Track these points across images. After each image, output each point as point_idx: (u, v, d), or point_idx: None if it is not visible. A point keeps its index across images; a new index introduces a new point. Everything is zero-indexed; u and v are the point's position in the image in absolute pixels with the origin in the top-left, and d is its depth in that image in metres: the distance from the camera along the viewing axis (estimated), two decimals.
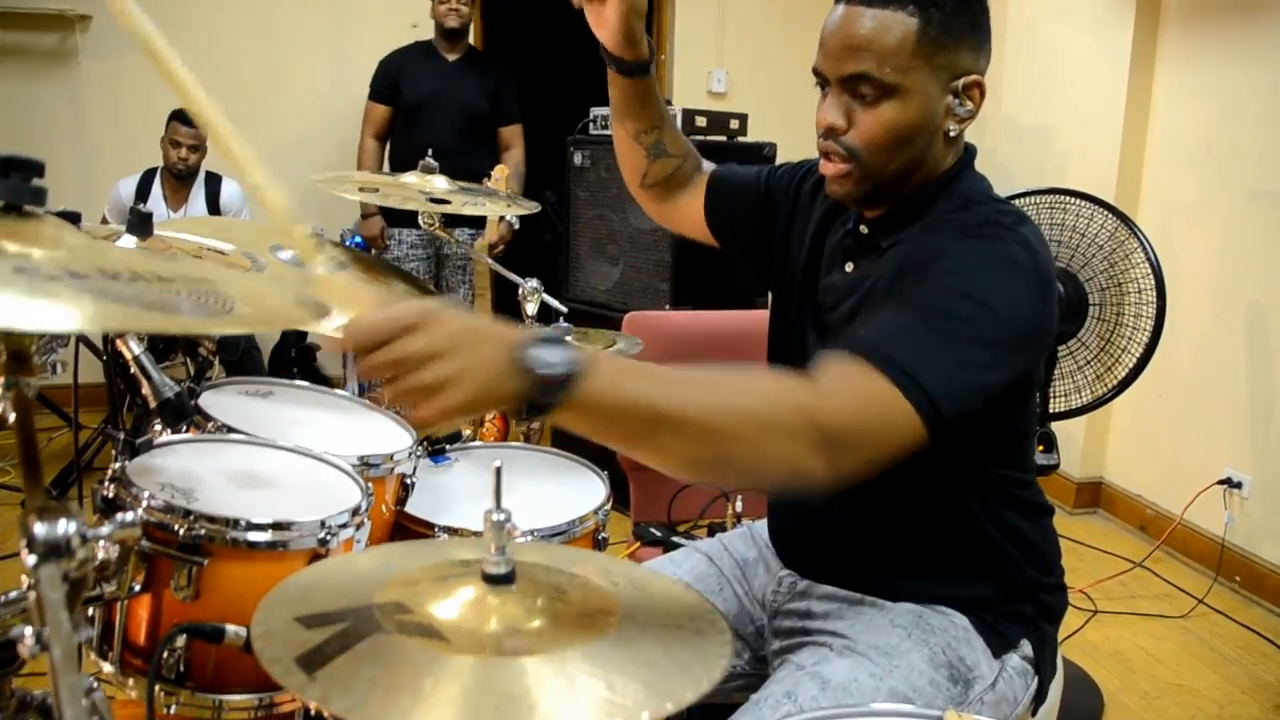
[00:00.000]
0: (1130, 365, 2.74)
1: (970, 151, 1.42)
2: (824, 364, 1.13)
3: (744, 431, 1.04)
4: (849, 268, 1.44)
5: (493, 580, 0.91)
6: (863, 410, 1.11)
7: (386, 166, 4.66)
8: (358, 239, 4.46)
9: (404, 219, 4.45)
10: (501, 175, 3.83)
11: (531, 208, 2.29)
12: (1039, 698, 1.46)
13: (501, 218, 2.14)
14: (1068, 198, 2.83)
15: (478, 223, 3.95)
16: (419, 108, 4.50)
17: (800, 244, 1.56)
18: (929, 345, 1.15)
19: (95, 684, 0.99)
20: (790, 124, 5.00)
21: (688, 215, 1.75)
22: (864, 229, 1.43)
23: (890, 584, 1.44)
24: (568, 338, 0.99)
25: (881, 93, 1.28)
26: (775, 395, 1.08)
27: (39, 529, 0.81)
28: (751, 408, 1.05)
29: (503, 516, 0.90)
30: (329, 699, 0.80)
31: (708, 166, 1.76)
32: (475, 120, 4.53)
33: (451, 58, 4.57)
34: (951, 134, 1.34)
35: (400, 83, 4.53)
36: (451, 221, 2.32)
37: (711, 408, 1.03)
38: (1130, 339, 2.76)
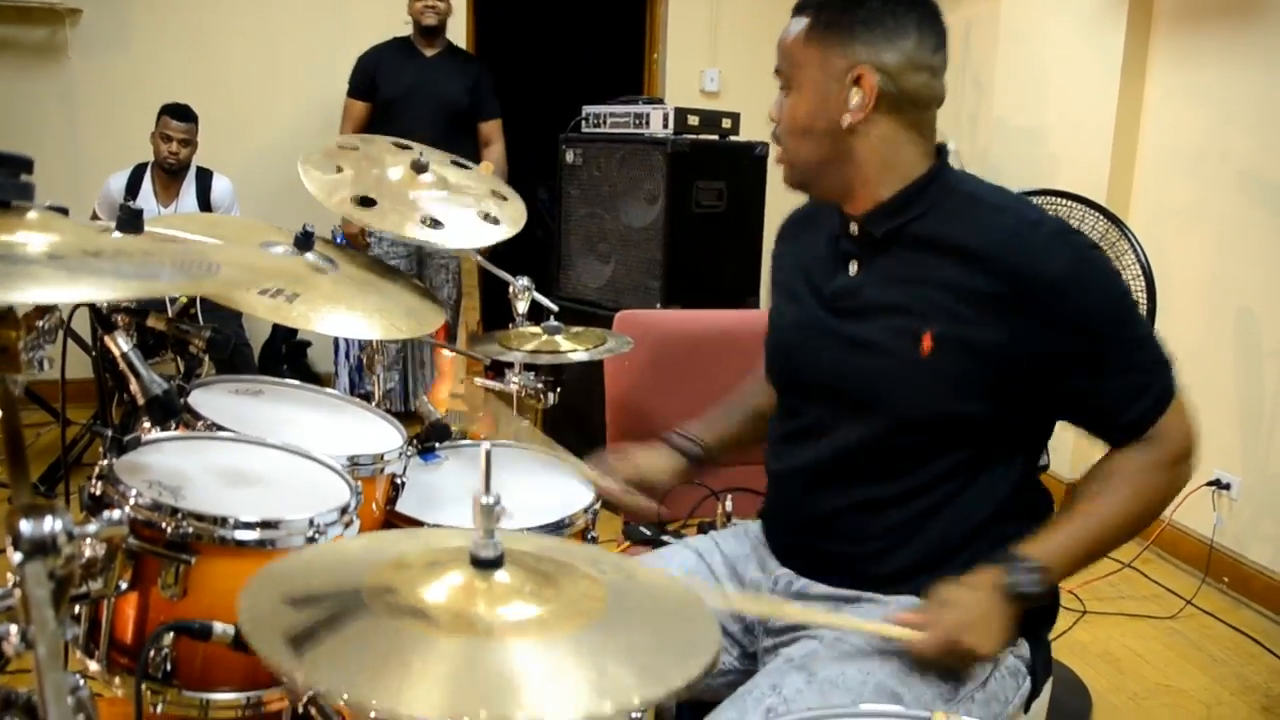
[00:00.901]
0: None
1: (942, 150, 1.48)
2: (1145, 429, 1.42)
3: (1149, 506, 1.44)
4: (853, 269, 1.48)
5: (481, 564, 0.91)
6: (1187, 425, 1.44)
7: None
8: (341, 237, 4.45)
9: None
10: (486, 171, 3.82)
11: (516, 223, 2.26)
12: (1032, 697, 1.46)
13: (485, 215, 2.15)
14: (1059, 199, 2.84)
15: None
16: (398, 104, 4.48)
17: (795, 268, 1.61)
18: (1148, 345, 1.43)
19: (81, 682, 0.98)
20: None
21: None
22: (854, 229, 1.48)
23: (888, 580, 1.44)
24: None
25: (786, 83, 1.45)
26: (1141, 473, 1.42)
27: (25, 526, 0.81)
28: (1136, 493, 1.43)
29: (491, 500, 0.90)
30: (317, 679, 0.80)
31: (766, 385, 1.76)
32: (455, 116, 4.52)
33: (430, 53, 4.56)
34: (845, 123, 1.40)
35: (378, 79, 4.52)
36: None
37: (1117, 519, 1.43)
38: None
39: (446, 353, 4.15)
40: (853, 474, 1.45)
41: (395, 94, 4.50)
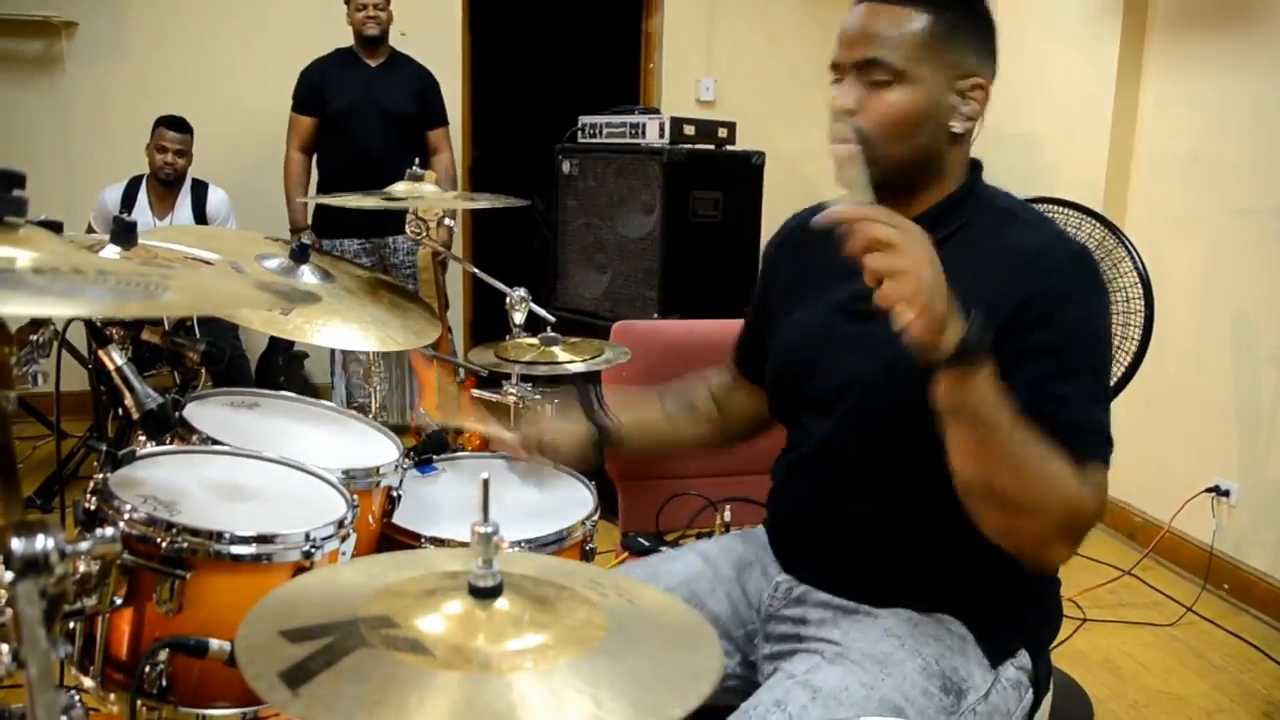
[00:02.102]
0: (1119, 374, 2.75)
1: (977, 166, 1.49)
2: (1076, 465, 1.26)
3: (1037, 496, 1.23)
4: None
5: (480, 594, 0.90)
6: (1100, 505, 1.29)
7: (315, 178, 4.62)
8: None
9: (346, 228, 4.42)
10: (430, 179, 3.82)
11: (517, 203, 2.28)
12: (1034, 710, 1.46)
13: (440, 222, 2.14)
14: (1056, 206, 2.84)
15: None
16: (346, 116, 4.47)
17: (796, 283, 1.60)
18: (1098, 407, 1.32)
19: (76, 700, 0.97)
20: (778, 132, 5.02)
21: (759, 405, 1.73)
22: None
23: (890, 588, 1.44)
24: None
25: (891, 78, 1.36)
26: (1067, 485, 1.24)
27: (16, 544, 0.80)
28: (1052, 482, 1.23)
29: (490, 529, 0.89)
30: (313, 716, 0.79)
31: (724, 371, 1.80)
32: (403, 125, 4.51)
33: (374, 63, 4.55)
34: (955, 130, 1.40)
35: (324, 92, 4.50)
36: (390, 230, 2.31)
37: (1028, 459, 1.22)
38: (1119, 348, 2.77)
39: (426, 365, 4.14)
40: (862, 479, 1.44)
41: (342, 107, 4.47)
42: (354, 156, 4.36)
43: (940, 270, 1.16)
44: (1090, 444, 1.29)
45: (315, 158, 4.62)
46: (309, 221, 4.49)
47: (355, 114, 4.45)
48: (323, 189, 4.57)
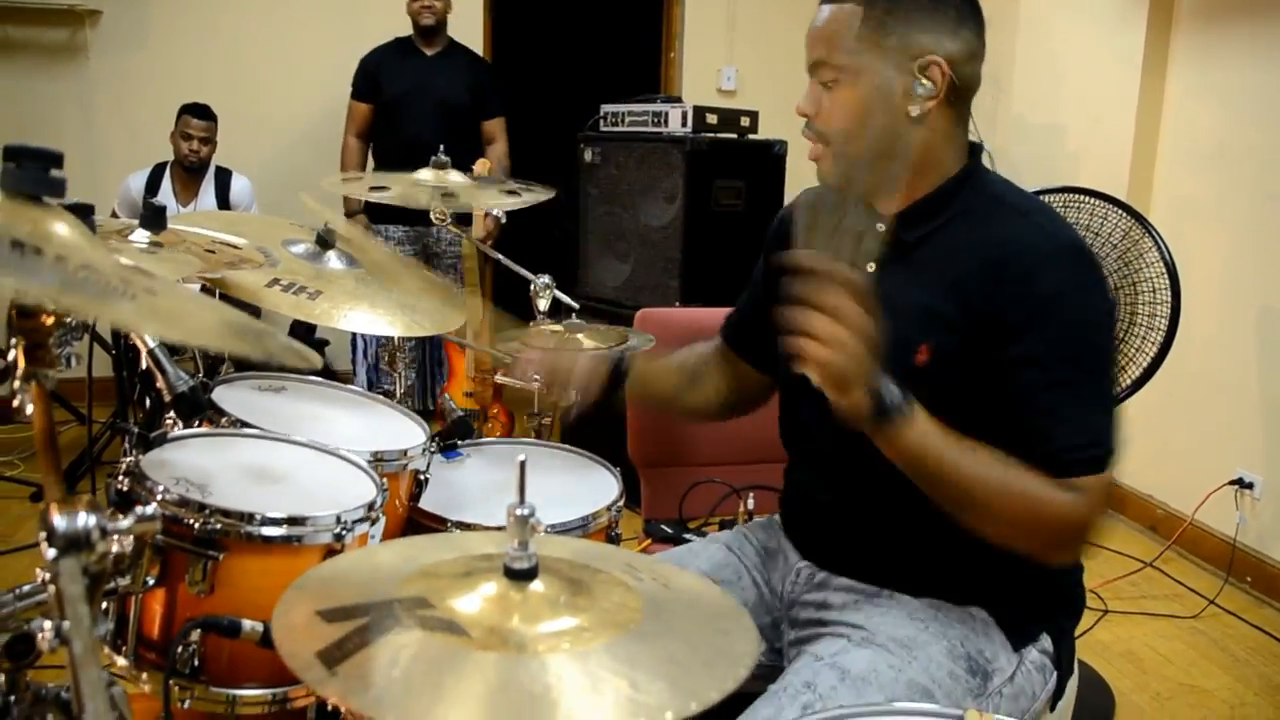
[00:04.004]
0: (1144, 365, 2.73)
1: (976, 150, 1.46)
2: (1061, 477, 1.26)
3: (1007, 513, 1.27)
4: (870, 268, 1.45)
5: (515, 575, 0.90)
6: (1094, 511, 1.28)
7: (371, 164, 4.65)
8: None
9: (390, 215, 4.44)
10: (482, 169, 3.82)
11: (546, 194, 2.28)
12: (1057, 694, 1.46)
13: (487, 213, 2.14)
14: (1082, 196, 2.82)
15: (463, 219, 3.94)
16: (400, 104, 4.48)
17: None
18: (1095, 412, 1.30)
19: (113, 679, 0.98)
20: (799, 121, 5.00)
21: (753, 383, 1.76)
22: (881, 227, 1.45)
23: (909, 576, 1.44)
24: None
25: (837, 75, 1.38)
26: (1041, 490, 1.25)
27: (59, 522, 0.81)
28: (1023, 504, 1.26)
29: (526, 511, 0.90)
30: (348, 695, 0.79)
31: (713, 342, 1.80)
32: (457, 114, 4.51)
33: (430, 53, 4.56)
34: (913, 113, 1.37)
35: (380, 80, 4.52)
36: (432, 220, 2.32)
37: (986, 489, 1.25)
38: (1144, 339, 2.75)
39: (460, 351, 4.15)
40: (879, 467, 1.43)
41: (397, 94, 4.49)
42: (407, 144, 4.37)
43: (871, 336, 1.17)
44: (1080, 458, 1.27)
45: (371, 145, 4.64)
46: (362, 207, 4.51)
47: (409, 102, 4.47)
48: None
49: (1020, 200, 1.43)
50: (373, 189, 2.14)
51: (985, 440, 1.29)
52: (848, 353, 1.16)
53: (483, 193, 2.25)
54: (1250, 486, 3.54)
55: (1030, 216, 1.38)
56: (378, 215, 4.48)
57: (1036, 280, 1.30)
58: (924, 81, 1.36)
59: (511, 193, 2.23)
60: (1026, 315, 1.29)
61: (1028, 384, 1.30)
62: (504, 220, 3.01)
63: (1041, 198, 2.80)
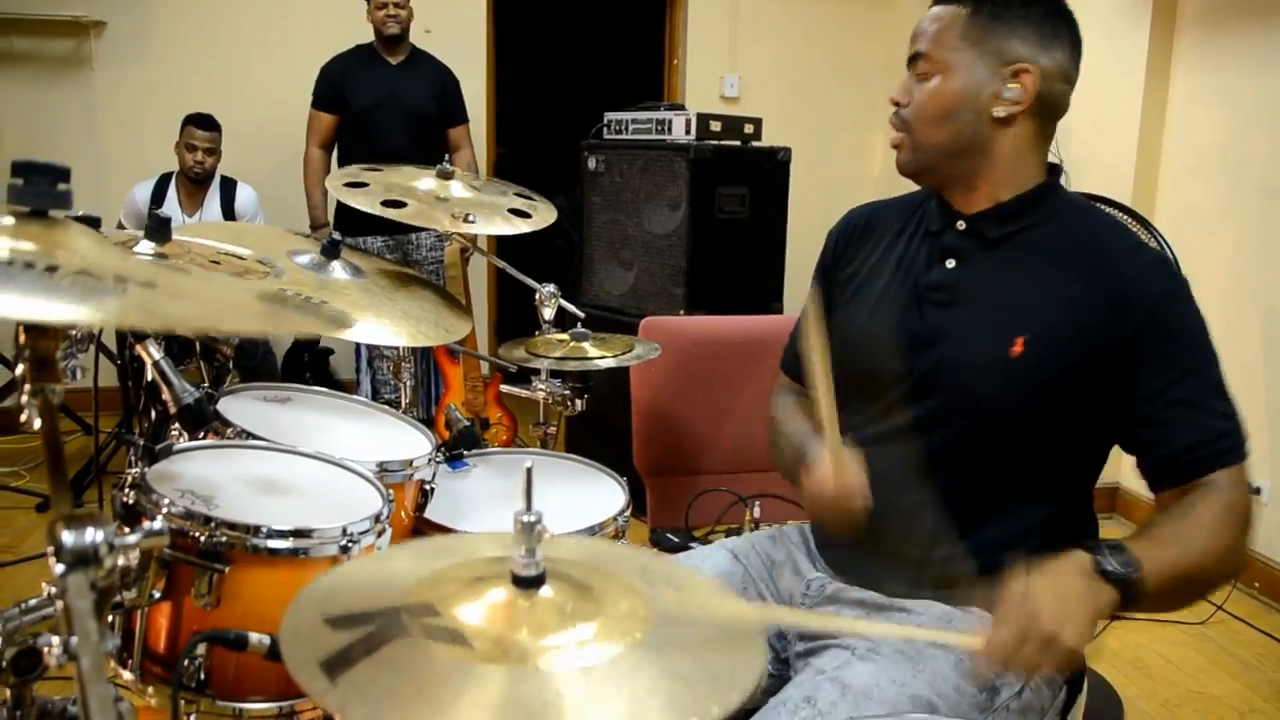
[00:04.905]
0: None
1: (1056, 169, 1.52)
2: (1209, 482, 1.34)
3: (1230, 554, 1.33)
4: (950, 264, 1.48)
5: (522, 583, 0.90)
6: (1246, 496, 1.36)
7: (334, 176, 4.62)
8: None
9: (369, 226, 4.42)
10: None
11: (549, 217, 2.28)
12: (1067, 705, 1.45)
13: (465, 220, 2.15)
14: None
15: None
16: (367, 115, 4.46)
17: (867, 268, 1.59)
18: (1221, 404, 1.37)
19: (120, 694, 0.98)
20: (803, 128, 5.01)
21: None
22: (962, 225, 1.49)
23: (929, 583, 1.43)
24: None
25: (931, 69, 1.45)
26: (1224, 513, 1.32)
27: (67, 537, 0.80)
28: (1223, 521, 1.32)
29: (534, 518, 0.89)
30: (347, 707, 0.79)
31: (781, 382, 1.78)
32: (425, 123, 4.50)
33: (394, 61, 4.54)
34: (999, 115, 1.43)
35: (345, 90, 4.49)
36: (413, 226, 2.31)
37: (1206, 540, 1.30)
38: None
39: (452, 363, 4.15)
40: (930, 471, 1.43)
41: (365, 105, 4.46)
42: (376, 155, 4.36)
43: (1051, 601, 1.17)
44: (1223, 450, 1.34)
45: (336, 155, 4.63)
46: (329, 218, 4.50)
47: (377, 113, 4.45)
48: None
49: (1109, 217, 1.50)
50: (384, 203, 2.14)
51: (1080, 434, 1.39)
52: (1053, 650, 1.15)
53: (492, 202, 2.25)
54: (1258, 492, 3.52)
55: (1120, 230, 1.47)
56: (354, 227, 4.45)
57: (1150, 283, 1.37)
58: (1013, 86, 1.42)
59: (520, 213, 2.23)
60: (1140, 317, 1.35)
61: (1163, 383, 1.35)
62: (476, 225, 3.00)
63: None
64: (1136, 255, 1.41)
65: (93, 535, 0.81)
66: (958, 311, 1.45)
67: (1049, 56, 1.44)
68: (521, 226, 2.17)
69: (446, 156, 2.44)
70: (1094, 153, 4.29)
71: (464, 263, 4.33)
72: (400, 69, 4.54)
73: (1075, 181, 4.08)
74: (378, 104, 4.45)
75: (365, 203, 2.13)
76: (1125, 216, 2.74)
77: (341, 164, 4.59)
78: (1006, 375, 1.37)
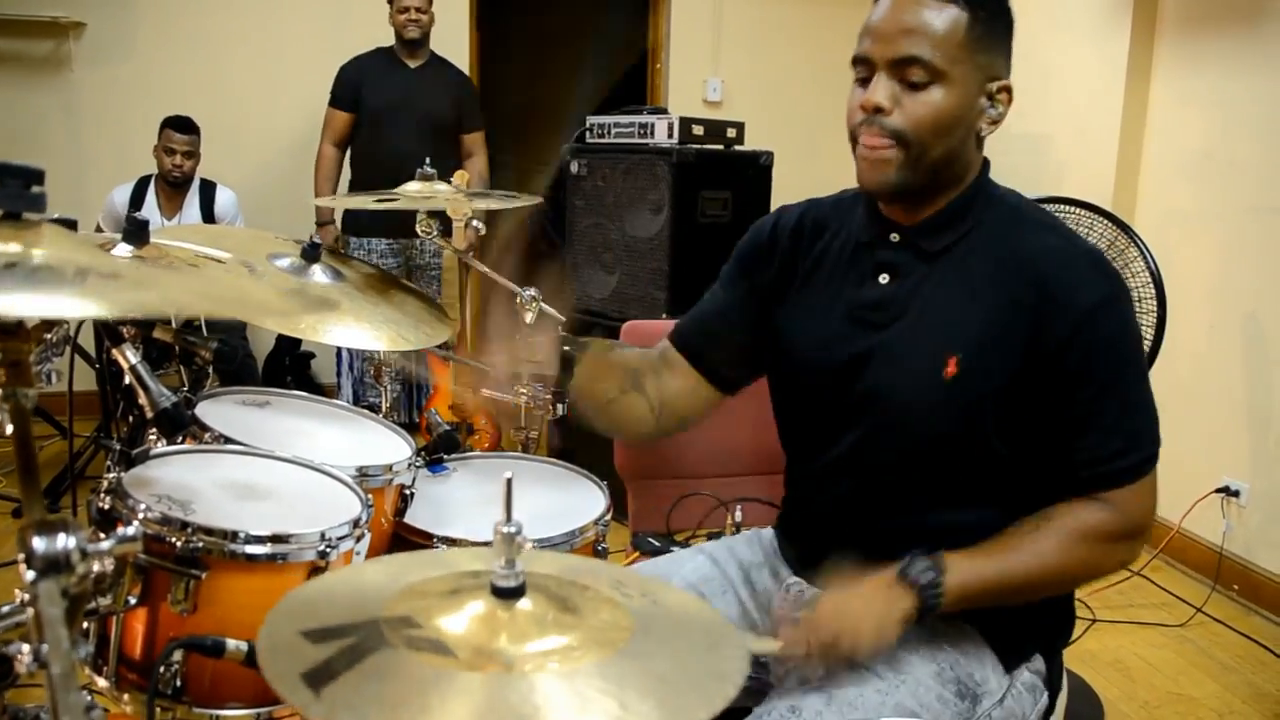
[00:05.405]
0: None
1: (986, 163, 1.46)
2: (1104, 492, 1.35)
3: (1074, 571, 1.37)
4: (884, 279, 1.43)
5: (502, 594, 0.89)
6: (1150, 504, 1.37)
7: (346, 174, 4.63)
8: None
9: (374, 228, 4.43)
10: (460, 181, 3.82)
11: (531, 199, 2.28)
12: (1048, 711, 1.45)
13: (468, 224, 2.15)
14: (1067, 206, 2.83)
15: (444, 231, 3.93)
16: (382, 116, 4.47)
17: (810, 275, 1.54)
18: (1135, 419, 1.35)
19: (93, 701, 0.97)
20: (786, 132, 5.01)
21: (695, 395, 1.65)
22: (896, 237, 1.44)
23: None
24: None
25: (931, 77, 1.32)
26: (1085, 528, 1.33)
27: (38, 543, 0.79)
28: (1073, 544, 1.33)
29: (514, 529, 0.89)
30: (335, 717, 0.78)
31: (661, 347, 1.69)
32: (440, 128, 4.51)
33: (414, 65, 4.56)
34: (983, 134, 1.39)
35: (362, 90, 4.50)
36: (414, 231, 2.32)
37: (1044, 559, 1.32)
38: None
39: (442, 365, 4.14)
40: (868, 488, 1.43)
41: (380, 106, 4.48)
42: (387, 157, 4.36)
43: (854, 608, 1.29)
44: (1121, 472, 1.34)
45: (349, 154, 4.62)
46: (335, 218, 4.49)
47: (392, 115, 4.46)
48: (355, 187, 4.58)
49: (1039, 214, 1.45)
50: (379, 200, 2.14)
51: (1014, 449, 1.35)
52: (844, 649, 1.27)
53: (471, 201, 2.25)
54: (1237, 494, 3.55)
55: (1055, 231, 1.41)
56: (360, 228, 4.46)
57: (1076, 294, 1.31)
58: (997, 105, 1.37)
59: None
60: (1064, 330, 1.31)
61: (1064, 399, 1.32)
62: (483, 232, 3.00)
63: None
64: (1067, 260, 1.35)
65: (64, 541, 0.80)
66: (891, 333, 1.40)
67: (1008, 69, 1.39)
68: (496, 204, 2.19)
69: (428, 160, 2.42)
70: (1075, 157, 4.31)
71: (461, 268, 4.32)
72: (418, 73, 4.55)
73: (1056, 185, 4.10)
74: (393, 106, 4.47)
75: (358, 201, 2.14)
76: (1105, 220, 2.76)
77: (354, 165, 4.61)
78: (941, 398, 1.34)
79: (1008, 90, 1.37)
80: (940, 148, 1.35)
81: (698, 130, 3.94)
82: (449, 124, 4.55)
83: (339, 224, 4.60)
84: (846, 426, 1.44)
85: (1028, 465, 1.38)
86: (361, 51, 4.63)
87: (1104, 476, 1.33)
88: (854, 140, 1.39)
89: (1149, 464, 1.35)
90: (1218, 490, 3.58)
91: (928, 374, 1.35)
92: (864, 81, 1.37)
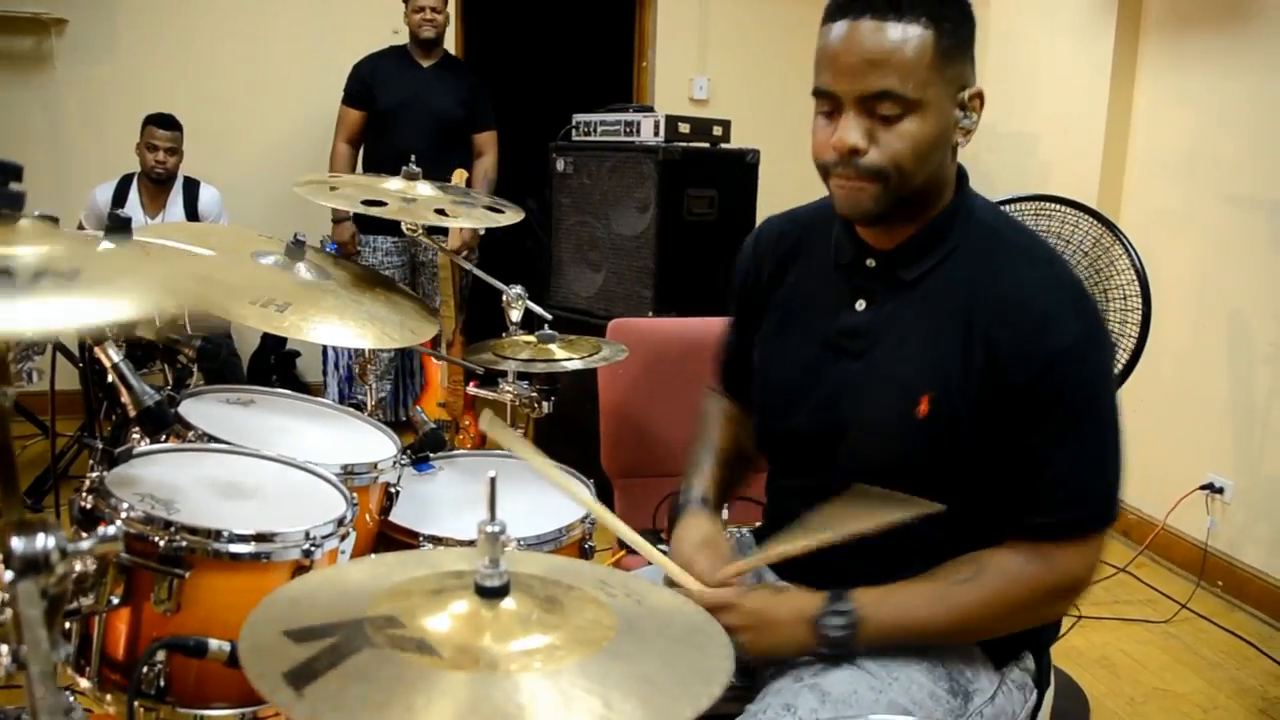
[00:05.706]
0: (1116, 371, 2.74)
1: (964, 176, 1.41)
2: (1049, 540, 1.32)
3: (994, 628, 1.35)
4: (861, 305, 1.41)
5: (487, 593, 0.89)
6: (1089, 560, 1.33)
7: (360, 171, 4.62)
8: (332, 245, 4.42)
9: (380, 226, 4.41)
10: (459, 179, 3.81)
11: (515, 216, 2.27)
12: (1036, 708, 1.45)
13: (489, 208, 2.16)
14: (1051, 204, 2.84)
15: (438, 229, 3.93)
16: (394, 114, 4.47)
17: (793, 297, 1.52)
18: (1100, 469, 1.32)
19: (74, 702, 0.96)
20: (772, 130, 5.01)
21: None
22: (872, 263, 1.41)
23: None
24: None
25: (904, 109, 1.25)
26: (1012, 582, 1.31)
27: (16, 543, 0.78)
28: (997, 599, 1.31)
29: (497, 528, 0.88)
30: (318, 716, 0.78)
31: (717, 405, 1.75)
32: (450, 127, 4.51)
33: (426, 64, 4.55)
34: (959, 145, 1.34)
35: (375, 88, 4.51)
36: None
37: (965, 612, 1.31)
38: (1116, 345, 2.76)
39: (435, 362, 4.13)
40: (844, 490, 1.42)
41: (391, 105, 4.48)
42: (398, 155, 4.34)
43: (760, 607, 1.33)
44: (1071, 524, 1.32)
45: (362, 152, 4.61)
46: (349, 214, 4.48)
47: (404, 113, 4.46)
48: None
49: (1017, 237, 1.39)
50: (365, 202, 2.13)
51: (984, 492, 1.32)
52: (774, 638, 1.32)
53: (459, 209, 2.24)
54: (1221, 491, 3.56)
55: (1034, 263, 1.35)
56: (367, 226, 4.45)
57: (1047, 335, 1.27)
58: (971, 114, 1.32)
59: (490, 209, 2.23)
60: (1029, 372, 1.27)
61: (1019, 442, 1.30)
62: (481, 231, 3.00)
63: (1012, 205, 2.83)
64: (1042, 296, 1.30)
65: (43, 541, 0.79)
66: (866, 366, 1.38)
67: (974, 71, 1.33)
68: (499, 220, 2.19)
69: (413, 158, 2.41)
70: (1060, 156, 4.33)
71: (455, 267, 4.32)
72: (431, 72, 4.55)
73: (1042, 184, 4.12)
74: (404, 104, 4.47)
75: (343, 202, 2.14)
76: (1090, 218, 2.77)
77: (365, 162, 4.60)
78: (913, 436, 1.32)
79: (979, 96, 1.32)
80: (922, 175, 1.30)
81: (684, 128, 3.93)
82: (460, 123, 4.55)
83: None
84: (820, 453, 1.43)
85: (1000, 494, 1.35)
86: (345, 48, 4.62)
87: (1043, 527, 1.30)
88: (825, 174, 1.35)
89: (1096, 523, 1.32)
90: (1202, 487, 3.60)
91: (901, 412, 1.33)
92: (829, 115, 1.31)
